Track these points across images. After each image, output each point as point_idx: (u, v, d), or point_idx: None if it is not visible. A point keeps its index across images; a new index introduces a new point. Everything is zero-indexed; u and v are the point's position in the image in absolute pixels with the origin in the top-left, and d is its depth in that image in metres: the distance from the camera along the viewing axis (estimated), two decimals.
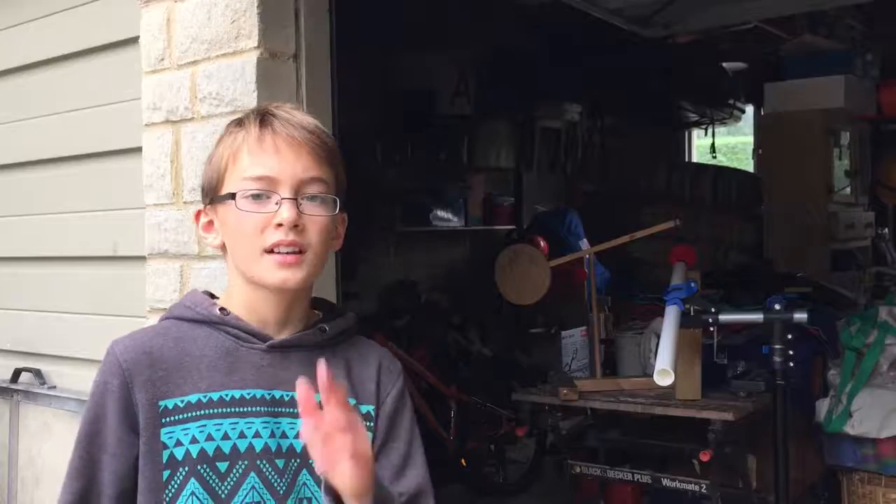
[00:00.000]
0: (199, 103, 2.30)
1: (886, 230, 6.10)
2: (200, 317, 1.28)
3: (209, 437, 1.21)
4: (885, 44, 5.99)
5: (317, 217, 1.25)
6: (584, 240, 6.55)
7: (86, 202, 2.85)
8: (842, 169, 5.63)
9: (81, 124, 2.84)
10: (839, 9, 5.48)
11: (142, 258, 2.45)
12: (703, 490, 2.89)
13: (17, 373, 3.05)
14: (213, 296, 1.35)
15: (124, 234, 2.67)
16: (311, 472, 1.23)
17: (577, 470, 3.19)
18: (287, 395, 1.24)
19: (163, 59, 2.38)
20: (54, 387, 2.95)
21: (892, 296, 3.52)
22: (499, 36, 6.19)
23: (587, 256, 3.49)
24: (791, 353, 2.64)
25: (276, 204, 1.22)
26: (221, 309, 1.29)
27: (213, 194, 1.29)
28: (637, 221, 5.84)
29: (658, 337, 2.93)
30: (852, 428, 3.18)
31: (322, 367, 1.09)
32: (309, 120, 1.29)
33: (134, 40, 2.50)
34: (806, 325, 2.76)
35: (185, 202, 2.33)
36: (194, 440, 1.21)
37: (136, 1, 2.44)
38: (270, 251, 1.23)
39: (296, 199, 1.23)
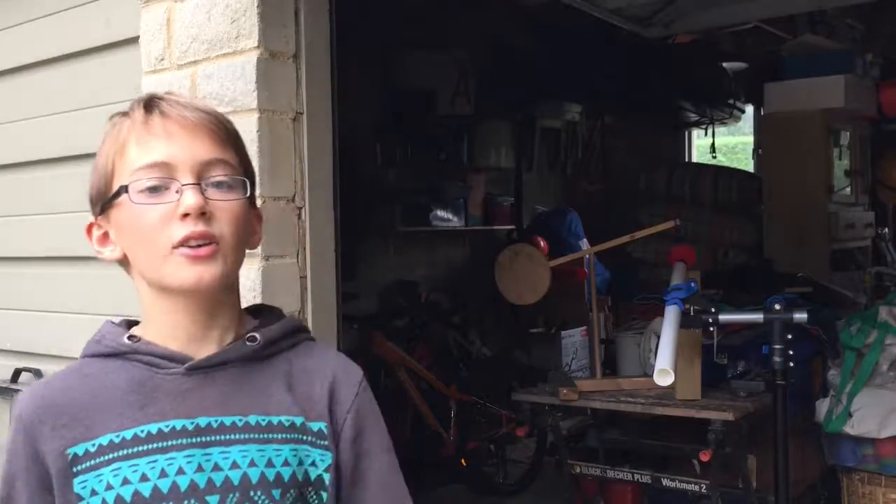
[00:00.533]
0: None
1: (886, 230, 6.10)
2: (108, 350, 1.13)
3: (125, 481, 1.05)
4: (885, 44, 5.99)
5: (226, 203, 1.09)
6: (584, 240, 6.55)
7: (86, 202, 2.85)
8: (842, 169, 5.63)
9: (81, 124, 2.84)
10: (839, 9, 5.49)
11: None
12: (703, 490, 2.89)
13: (17, 373, 3.05)
14: (135, 322, 1.19)
15: None
16: None
17: (577, 470, 3.19)
18: (216, 422, 1.08)
19: (162, 59, 2.38)
20: None
21: (893, 296, 3.51)
22: (499, 36, 6.19)
23: (587, 256, 3.49)
24: (791, 353, 2.64)
25: (177, 192, 1.06)
26: (131, 336, 1.13)
27: (102, 200, 1.13)
28: (637, 221, 5.84)
29: (658, 337, 2.93)
30: (852, 428, 3.18)
31: None
32: (200, 103, 1.15)
33: (134, 40, 2.50)
34: (806, 325, 2.76)
35: None
36: (109, 486, 1.05)
37: (136, 1, 2.44)
38: (177, 247, 1.06)
39: (199, 184, 1.07)
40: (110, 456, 1.06)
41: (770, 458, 2.74)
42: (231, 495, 1.06)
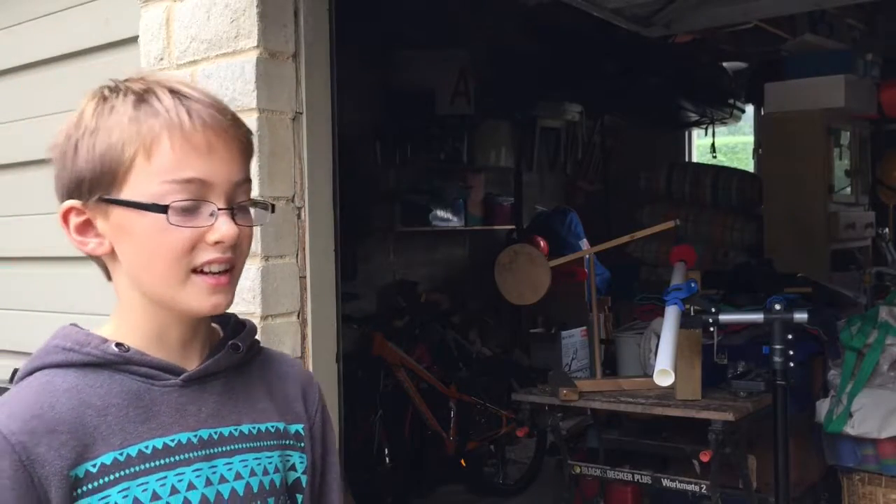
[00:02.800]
0: None
1: (886, 230, 6.09)
2: (93, 359, 1.01)
3: (136, 502, 0.98)
4: (885, 44, 5.99)
5: (249, 229, 1.05)
6: (584, 240, 6.56)
7: None
8: (842, 169, 5.62)
9: None
10: (839, 9, 5.48)
11: None
12: (703, 490, 2.89)
13: (16, 373, 3.04)
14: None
15: None
16: None
17: (577, 470, 3.19)
18: (216, 433, 1.05)
19: (162, 59, 2.38)
20: None
21: (893, 296, 3.51)
22: (499, 36, 6.19)
23: (587, 256, 3.49)
24: (791, 353, 2.64)
25: (211, 215, 1.00)
26: (118, 345, 1.03)
27: (104, 191, 1.00)
28: (637, 221, 5.84)
29: (658, 337, 2.93)
30: (852, 428, 3.18)
31: None
32: (222, 101, 1.05)
33: (133, 40, 2.50)
34: (806, 325, 2.76)
35: None
36: None
37: (135, 1, 2.44)
38: (197, 271, 1.01)
39: (231, 208, 1.01)
40: (116, 475, 0.98)
41: (770, 458, 2.74)
42: None
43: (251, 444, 1.07)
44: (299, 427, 1.13)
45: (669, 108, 7.62)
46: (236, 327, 1.13)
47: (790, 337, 2.64)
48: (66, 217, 1.05)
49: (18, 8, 3.04)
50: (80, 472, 0.96)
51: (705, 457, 2.78)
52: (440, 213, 6.05)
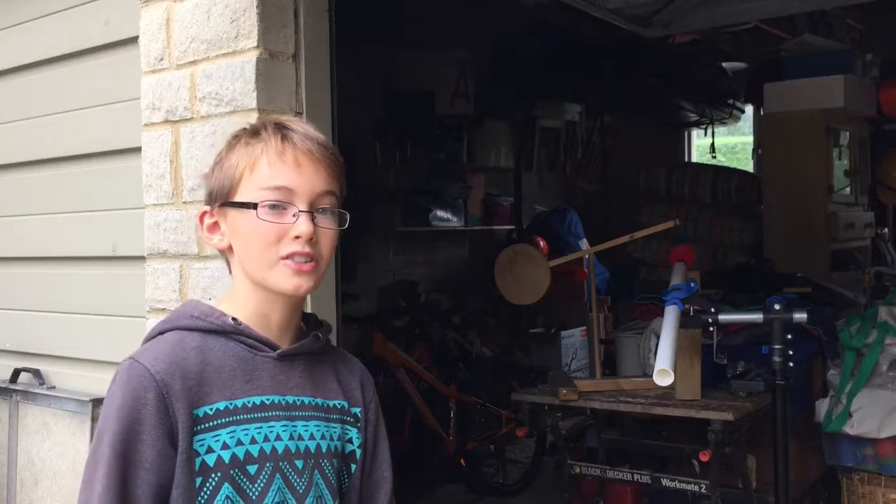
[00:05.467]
0: (199, 103, 2.30)
1: (886, 230, 6.10)
2: (215, 327, 1.30)
3: (239, 443, 1.26)
4: (885, 44, 5.99)
5: (328, 230, 1.32)
6: (584, 240, 6.56)
7: (86, 202, 2.85)
8: (841, 169, 5.63)
9: (81, 124, 2.84)
10: (839, 9, 5.49)
11: (141, 258, 2.45)
12: (702, 490, 2.89)
13: (16, 373, 3.05)
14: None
15: (124, 234, 2.67)
16: (322, 472, 1.33)
17: (577, 470, 3.19)
18: (298, 400, 1.33)
19: (162, 59, 2.38)
20: (53, 387, 2.95)
21: (892, 296, 3.51)
22: (499, 36, 6.19)
23: (587, 256, 3.49)
24: (791, 353, 2.64)
25: (294, 216, 1.28)
26: (233, 318, 1.32)
27: (223, 199, 1.32)
28: (637, 221, 5.84)
29: (658, 337, 2.93)
30: (852, 428, 3.18)
31: None
32: (321, 135, 1.35)
33: (133, 40, 2.50)
34: (805, 325, 2.76)
35: (184, 202, 2.33)
36: (225, 446, 1.25)
37: (135, 1, 2.44)
38: (285, 259, 1.28)
39: (311, 212, 1.29)
40: (226, 420, 1.25)
41: (770, 458, 2.74)
42: (309, 461, 1.32)
43: (322, 414, 1.35)
44: (357, 409, 1.41)
45: (669, 108, 7.63)
46: (317, 324, 1.43)
47: (790, 337, 2.64)
48: (201, 219, 1.36)
49: (19, 8, 3.04)
50: (199, 412, 1.24)
51: (705, 457, 2.78)
52: (440, 213, 6.05)
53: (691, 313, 2.85)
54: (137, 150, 2.44)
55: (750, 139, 8.83)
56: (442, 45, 5.71)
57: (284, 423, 1.31)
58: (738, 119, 8.36)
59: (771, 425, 2.72)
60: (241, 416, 1.27)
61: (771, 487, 2.80)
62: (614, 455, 3.31)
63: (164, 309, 2.44)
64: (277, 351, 1.32)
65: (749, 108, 8.08)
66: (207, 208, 1.35)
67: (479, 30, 5.94)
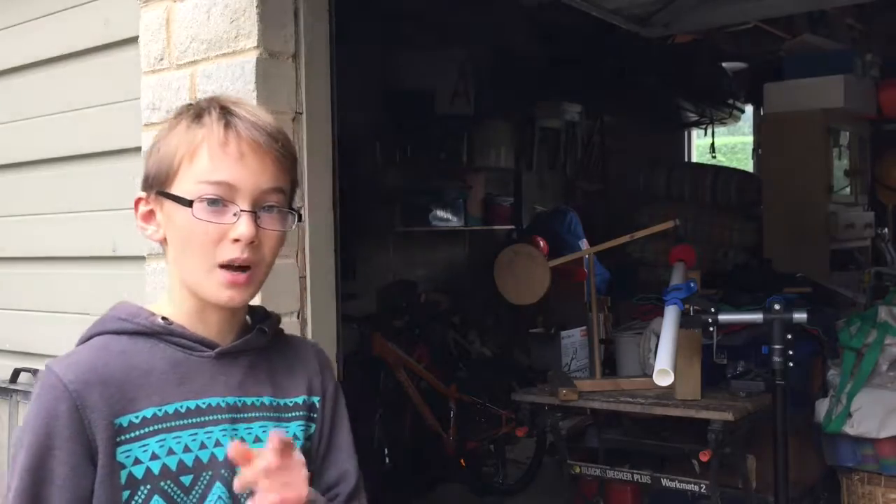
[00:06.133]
0: None
1: (886, 230, 6.10)
2: (142, 328, 1.20)
3: (170, 452, 1.16)
4: (885, 44, 5.99)
5: (273, 232, 1.20)
6: (584, 240, 6.56)
7: (86, 202, 2.85)
8: (841, 169, 5.63)
9: (81, 124, 2.84)
10: (839, 9, 5.49)
11: (141, 258, 2.45)
12: (702, 490, 2.89)
13: (16, 373, 3.05)
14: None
15: (124, 234, 2.66)
16: None
17: (577, 470, 3.19)
18: (240, 402, 1.22)
19: (162, 59, 2.38)
20: None
21: (892, 296, 3.51)
22: (499, 36, 6.19)
23: (587, 256, 3.49)
24: (791, 353, 2.64)
25: (235, 216, 1.16)
26: (163, 318, 1.22)
27: (160, 186, 1.20)
28: (637, 221, 5.84)
29: (657, 337, 2.93)
30: (852, 428, 3.18)
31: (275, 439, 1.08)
32: (272, 122, 1.22)
33: (133, 40, 2.50)
34: (805, 325, 2.76)
35: None
36: (154, 456, 1.15)
37: (135, 1, 2.44)
38: (222, 266, 1.18)
39: (254, 211, 1.17)
40: (155, 427, 1.15)
41: (770, 458, 2.74)
42: None
43: (272, 414, 1.24)
44: (316, 399, 1.31)
45: (669, 108, 7.63)
46: (263, 316, 1.32)
47: (789, 337, 2.64)
48: (136, 205, 1.25)
49: (18, 8, 3.04)
50: (123, 421, 1.14)
51: (705, 456, 2.78)
52: (440, 213, 6.05)
53: (691, 313, 2.86)
54: (138, 150, 2.44)
55: (750, 139, 8.82)
56: (442, 45, 5.70)
57: (224, 427, 1.20)
58: (738, 119, 8.36)
59: (771, 425, 2.72)
60: (173, 423, 1.17)
61: (771, 487, 2.80)
62: (614, 455, 3.31)
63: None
64: (216, 350, 1.21)
65: (749, 108, 8.08)
66: (141, 194, 1.23)
67: (479, 30, 5.94)
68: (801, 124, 5.35)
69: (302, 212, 2.30)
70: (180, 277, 1.22)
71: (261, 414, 1.23)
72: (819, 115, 5.33)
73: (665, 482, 3.00)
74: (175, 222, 1.19)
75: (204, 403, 1.19)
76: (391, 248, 5.91)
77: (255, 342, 1.26)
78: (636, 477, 3.07)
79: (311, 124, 2.29)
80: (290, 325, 2.30)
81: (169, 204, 1.19)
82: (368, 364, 4.50)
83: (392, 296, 5.60)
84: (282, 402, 1.26)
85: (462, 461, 4.73)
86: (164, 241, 1.23)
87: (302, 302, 2.30)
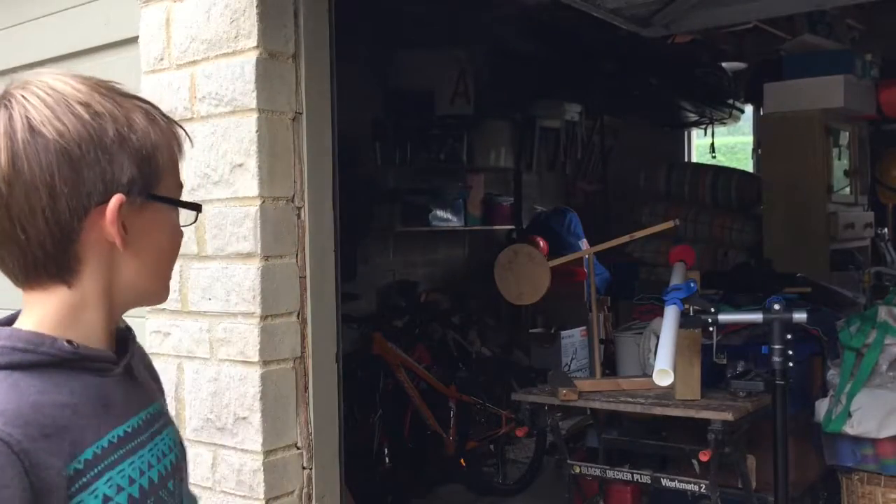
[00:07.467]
0: (199, 103, 2.30)
1: (886, 230, 6.10)
2: (49, 359, 0.99)
3: (119, 489, 1.01)
4: (885, 44, 5.99)
5: None
6: (584, 240, 6.56)
7: None
8: (841, 169, 5.62)
9: None
10: (839, 9, 5.48)
11: None
12: (702, 490, 2.89)
13: None
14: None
15: None
16: (185, 482, 1.16)
17: (577, 470, 3.19)
18: (147, 415, 1.10)
19: (162, 59, 2.38)
20: None
21: (892, 296, 3.51)
22: (498, 36, 6.19)
23: (587, 256, 3.49)
24: (790, 353, 2.64)
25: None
26: (67, 341, 1.02)
27: (150, 189, 1.04)
28: (637, 221, 5.85)
29: (657, 337, 2.93)
30: (851, 428, 3.18)
31: None
32: None
33: (133, 40, 2.50)
34: (805, 324, 2.76)
35: None
36: (107, 498, 0.99)
37: (135, 1, 2.44)
38: None
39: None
40: (99, 468, 1.00)
41: (769, 458, 2.75)
42: (176, 476, 1.11)
43: (164, 421, 1.14)
44: (165, 401, 1.20)
45: (669, 108, 7.63)
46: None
47: (789, 337, 2.64)
48: (119, 209, 1.07)
49: (19, 8, 3.04)
50: (70, 470, 0.96)
51: (705, 456, 2.79)
52: (440, 213, 6.05)
53: (691, 313, 2.86)
54: None
55: (750, 139, 8.82)
56: (442, 45, 5.71)
57: (150, 446, 1.07)
58: (737, 119, 8.36)
59: (771, 425, 2.72)
60: (112, 458, 1.01)
61: (771, 487, 2.80)
62: (614, 455, 3.31)
63: (163, 309, 2.44)
64: (121, 365, 1.07)
65: (749, 108, 8.08)
66: (123, 196, 1.00)
67: (479, 30, 5.94)
68: (801, 124, 5.35)
69: (302, 212, 2.31)
70: (121, 287, 1.05)
71: (161, 422, 1.13)
72: (819, 115, 5.32)
73: (665, 482, 3.00)
74: (160, 227, 1.06)
75: (129, 427, 1.05)
76: (391, 248, 5.91)
77: (138, 350, 1.15)
78: (636, 477, 3.07)
79: (312, 124, 2.30)
80: (290, 325, 2.31)
81: (153, 208, 1.04)
82: (368, 364, 4.50)
83: (392, 296, 5.61)
84: (160, 405, 1.16)
85: (462, 461, 4.73)
86: (112, 248, 1.03)
87: (302, 302, 2.30)
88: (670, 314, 2.84)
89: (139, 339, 1.19)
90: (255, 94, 2.17)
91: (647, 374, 3.08)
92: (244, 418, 2.28)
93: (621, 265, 6.13)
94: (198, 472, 2.40)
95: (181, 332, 2.44)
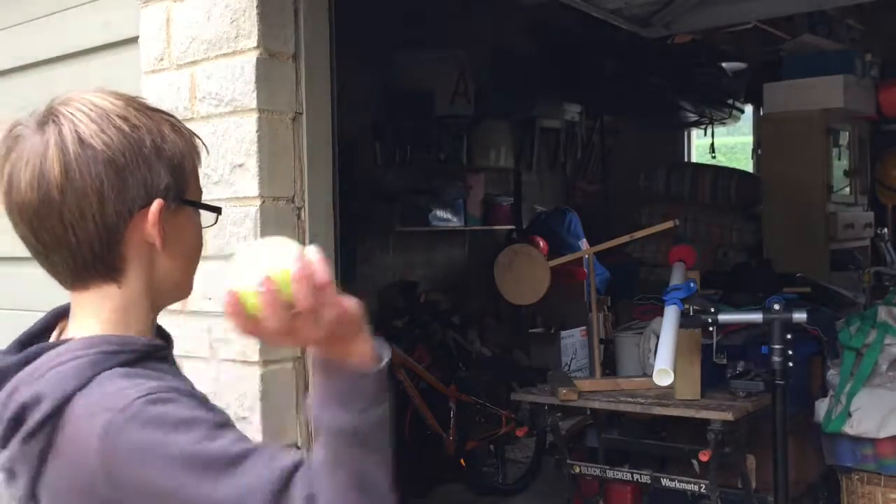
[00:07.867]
0: (199, 103, 2.31)
1: (885, 230, 6.10)
2: (139, 354, 1.06)
3: None
4: (885, 44, 5.99)
5: None
6: (584, 240, 6.56)
7: None
8: (841, 169, 5.63)
9: None
10: (839, 9, 5.48)
11: None
12: (702, 490, 2.89)
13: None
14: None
15: None
16: None
17: (577, 470, 3.19)
18: None
19: (162, 59, 2.38)
20: None
21: (892, 296, 3.52)
22: (499, 36, 6.20)
23: (587, 256, 3.49)
24: (790, 353, 2.64)
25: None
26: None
27: (181, 194, 1.11)
28: (637, 221, 5.85)
29: (657, 337, 2.93)
30: (851, 428, 3.18)
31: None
32: None
33: (133, 40, 2.50)
34: (805, 324, 2.77)
35: None
36: None
37: (135, 1, 2.45)
38: None
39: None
40: None
41: (769, 457, 2.75)
42: None
43: None
44: None
45: (669, 108, 7.63)
46: None
47: (789, 337, 2.65)
48: (160, 213, 1.12)
49: (19, 8, 3.04)
50: None
51: (704, 456, 2.79)
52: (440, 213, 6.05)
53: (691, 313, 2.86)
54: None
55: (750, 139, 8.82)
56: (442, 45, 5.70)
57: None
58: (737, 119, 8.36)
59: (771, 425, 2.72)
60: None
61: (771, 487, 2.80)
62: (614, 455, 3.31)
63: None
64: (172, 356, 1.16)
65: (749, 108, 8.08)
66: (162, 200, 1.08)
67: (479, 30, 5.95)
68: (801, 124, 5.35)
69: (302, 212, 2.31)
70: (159, 287, 1.12)
71: None
72: (819, 115, 5.33)
73: (665, 482, 3.00)
74: (190, 229, 1.13)
75: None
76: (391, 249, 5.91)
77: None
78: (636, 477, 3.08)
79: (311, 124, 2.30)
80: None
81: (186, 213, 1.12)
82: None
83: (392, 296, 5.60)
84: None
85: (462, 461, 4.73)
86: (153, 251, 1.10)
87: None
88: (670, 314, 2.84)
89: None
90: (255, 94, 2.17)
91: (647, 373, 3.09)
92: (244, 418, 2.28)
93: (621, 265, 6.13)
94: None
95: (181, 332, 2.43)
